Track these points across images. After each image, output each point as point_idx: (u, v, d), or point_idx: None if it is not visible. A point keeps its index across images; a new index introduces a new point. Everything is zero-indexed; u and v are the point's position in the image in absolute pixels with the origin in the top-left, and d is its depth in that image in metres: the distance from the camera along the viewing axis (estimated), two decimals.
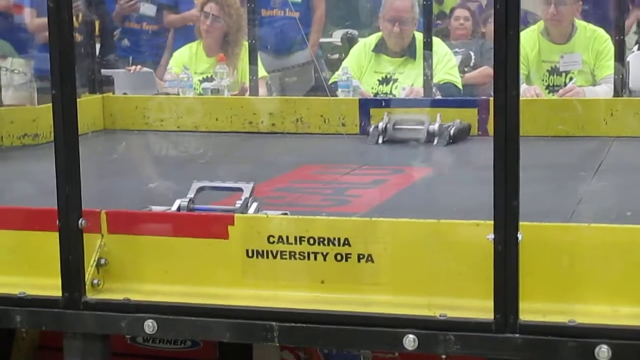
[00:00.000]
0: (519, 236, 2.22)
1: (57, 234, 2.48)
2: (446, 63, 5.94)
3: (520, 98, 2.21)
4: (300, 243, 2.43)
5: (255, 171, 4.02)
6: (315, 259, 2.42)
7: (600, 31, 6.03)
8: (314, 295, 2.42)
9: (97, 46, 6.17)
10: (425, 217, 2.45)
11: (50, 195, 2.49)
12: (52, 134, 2.48)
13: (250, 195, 2.71)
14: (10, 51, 7.12)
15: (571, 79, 5.91)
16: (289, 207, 2.86)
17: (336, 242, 2.41)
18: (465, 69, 7.07)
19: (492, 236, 2.23)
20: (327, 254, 2.42)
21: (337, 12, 8.53)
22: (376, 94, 5.90)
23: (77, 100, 2.51)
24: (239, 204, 2.70)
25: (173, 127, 5.18)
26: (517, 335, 2.24)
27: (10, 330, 3.31)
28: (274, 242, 2.45)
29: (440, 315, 2.30)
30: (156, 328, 2.44)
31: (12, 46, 7.15)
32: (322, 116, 5.03)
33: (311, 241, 2.42)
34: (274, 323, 2.37)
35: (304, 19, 7.25)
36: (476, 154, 4.40)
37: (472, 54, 7.35)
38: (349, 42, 7.93)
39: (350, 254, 2.40)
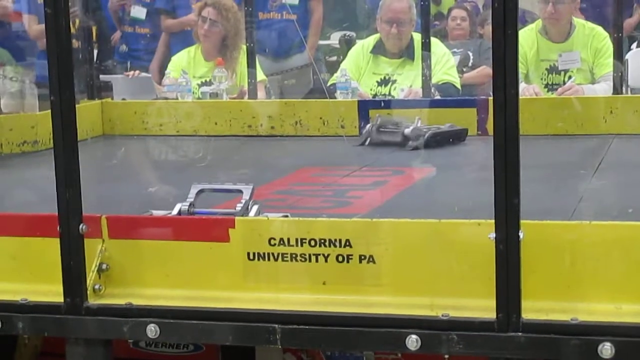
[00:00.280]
0: (521, 235, 2.21)
1: (58, 240, 2.47)
2: (444, 63, 5.94)
3: (520, 97, 2.21)
4: (302, 245, 2.43)
5: (255, 174, 4.02)
6: (317, 260, 2.42)
7: (599, 29, 6.03)
8: (316, 297, 2.42)
9: (95, 52, 6.17)
10: (426, 217, 2.44)
11: (51, 202, 2.49)
12: (52, 141, 2.48)
13: (250, 198, 2.71)
14: (8, 59, 7.13)
15: (570, 77, 5.91)
16: (289, 210, 2.86)
17: (337, 244, 2.41)
18: (464, 69, 7.07)
19: (494, 235, 2.22)
20: (328, 255, 2.41)
21: (334, 14, 8.53)
22: (375, 96, 5.90)
23: (76, 106, 2.50)
24: (239, 207, 2.69)
25: (172, 132, 5.18)
26: (519, 334, 2.23)
27: (12, 337, 3.31)
28: (275, 244, 2.44)
29: (442, 315, 2.29)
30: (159, 332, 2.44)
31: (10, 54, 7.16)
32: (321, 118, 5.03)
33: (312, 243, 2.42)
34: (276, 325, 2.36)
35: (301, 21, 7.25)
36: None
37: (470, 54, 7.35)
38: (347, 44, 7.93)
39: (351, 255, 2.40)
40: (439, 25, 8.02)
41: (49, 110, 2.46)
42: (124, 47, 7.52)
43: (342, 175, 4.02)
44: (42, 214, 2.62)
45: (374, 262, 2.39)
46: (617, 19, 5.18)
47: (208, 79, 6.24)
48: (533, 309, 2.25)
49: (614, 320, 2.21)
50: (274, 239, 2.44)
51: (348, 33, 8.41)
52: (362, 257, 2.40)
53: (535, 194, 3.16)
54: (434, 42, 5.71)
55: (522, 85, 5.59)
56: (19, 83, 6.86)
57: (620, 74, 5.26)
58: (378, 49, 6.08)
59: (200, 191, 2.77)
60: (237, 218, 2.51)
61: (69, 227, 2.45)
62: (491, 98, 2.22)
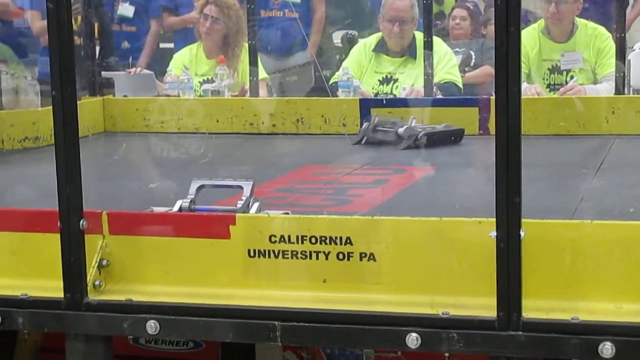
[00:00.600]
0: (522, 233, 2.21)
1: (58, 236, 2.47)
2: (447, 62, 5.94)
3: (522, 96, 2.20)
4: (302, 242, 2.43)
5: (256, 172, 4.02)
6: (317, 258, 2.42)
7: (601, 29, 6.03)
8: (316, 294, 2.41)
9: (97, 49, 6.16)
10: (427, 215, 2.44)
11: (52, 198, 2.48)
12: (53, 137, 2.47)
13: (250, 194, 2.71)
14: (10, 55, 7.13)
15: (572, 77, 5.91)
16: (290, 208, 2.86)
17: (338, 241, 2.40)
18: (466, 69, 7.07)
19: (495, 233, 2.22)
20: (329, 253, 2.41)
21: (337, 12, 8.52)
22: (377, 94, 5.90)
23: (78, 102, 2.50)
24: (240, 204, 2.69)
25: (174, 129, 5.18)
26: (520, 332, 2.23)
27: (12, 332, 3.31)
28: (275, 241, 2.44)
29: (443, 314, 2.29)
30: (159, 329, 2.44)
31: (13, 50, 7.17)
32: (322, 116, 5.03)
33: (313, 240, 2.42)
34: (276, 322, 2.36)
35: (303, 19, 7.25)
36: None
37: (472, 53, 7.34)
38: (349, 42, 7.93)
39: (352, 252, 2.40)
40: (441, 25, 8.02)
41: (51, 107, 2.45)
42: (125, 44, 7.52)
43: (343, 173, 4.02)
44: (43, 210, 2.62)
45: (374, 260, 2.39)
46: (619, 19, 5.18)
47: (210, 77, 6.23)
48: (533, 308, 2.25)
49: (615, 320, 2.21)
50: (275, 236, 2.44)
51: (350, 31, 8.40)
52: (363, 255, 2.40)
53: (537, 193, 3.16)
54: (436, 41, 5.71)
55: (524, 85, 5.59)
56: (20, 80, 6.87)
57: (622, 74, 5.26)
58: (380, 48, 6.08)
59: (201, 187, 2.77)
60: (237, 215, 2.50)
61: (70, 222, 2.45)
62: (493, 97, 2.22)
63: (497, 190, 2.21)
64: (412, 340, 2.28)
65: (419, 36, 5.80)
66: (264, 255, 2.45)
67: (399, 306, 2.34)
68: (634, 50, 6.27)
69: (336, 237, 2.40)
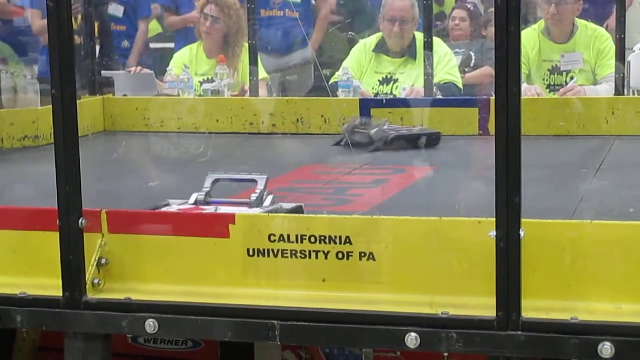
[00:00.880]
0: (521, 233, 2.21)
1: (57, 234, 2.47)
2: (447, 63, 5.93)
3: (521, 97, 2.20)
4: (302, 241, 2.43)
5: (256, 171, 3.99)
6: (317, 257, 2.42)
7: (601, 30, 6.03)
8: (316, 293, 2.41)
9: (97, 48, 6.17)
10: (427, 215, 2.44)
11: (51, 197, 2.48)
12: (53, 136, 2.47)
13: (264, 188, 2.73)
14: (10, 54, 7.13)
15: (572, 78, 5.91)
16: None
17: (337, 241, 2.40)
18: (466, 69, 7.06)
19: (494, 233, 2.22)
20: (328, 252, 2.41)
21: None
22: (376, 94, 5.90)
23: (77, 101, 2.50)
24: (254, 197, 2.71)
25: (173, 129, 5.18)
26: (519, 332, 2.23)
27: (11, 331, 3.30)
28: (275, 240, 2.44)
29: (442, 313, 2.29)
30: (157, 327, 2.44)
31: (13, 49, 7.17)
32: (322, 116, 5.03)
33: (312, 239, 2.42)
34: (275, 322, 2.36)
35: (304, 19, 7.25)
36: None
37: (472, 54, 7.34)
38: (349, 43, 7.93)
39: (351, 252, 2.40)
40: (441, 25, 8.02)
41: (50, 106, 2.45)
42: (125, 43, 7.52)
43: (343, 173, 4.02)
44: (42, 208, 2.61)
45: (374, 260, 2.39)
46: (619, 20, 5.17)
47: (210, 76, 6.23)
48: (533, 308, 2.25)
49: (614, 320, 2.21)
50: (274, 235, 2.44)
51: (350, 32, 8.41)
52: (362, 254, 2.39)
53: (537, 193, 3.16)
54: (436, 41, 5.71)
55: (523, 86, 5.59)
56: (20, 78, 6.87)
57: (622, 75, 5.26)
58: (380, 48, 6.08)
59: (216, 180, 2.79)
60: (237, 214, 2.50)
61: (69, 221, 2.45)
62: (493, 98, 2.21)
63: (496, 190, 2.21)
64: (411, 339, 2.28)
65: (419, 36, 5.80)
66: (263, 255, 2.45)
67: (398, 306, 2.34)
68: (633, 51, 6.27)
69: (335, 237, 2.40)
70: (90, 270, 2.50)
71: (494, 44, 2.20)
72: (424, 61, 5.45)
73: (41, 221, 2.57)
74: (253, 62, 5.60)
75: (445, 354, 2.33)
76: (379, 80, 6.02)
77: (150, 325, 2.44)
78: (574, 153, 4.48)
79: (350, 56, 6.23)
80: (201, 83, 6.22)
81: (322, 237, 2.41)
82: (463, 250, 2.33)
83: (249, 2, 5.66)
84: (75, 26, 4.73)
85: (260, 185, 2.76)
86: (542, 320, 2.23)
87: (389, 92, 5.95)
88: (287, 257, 2.44)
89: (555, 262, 2.29)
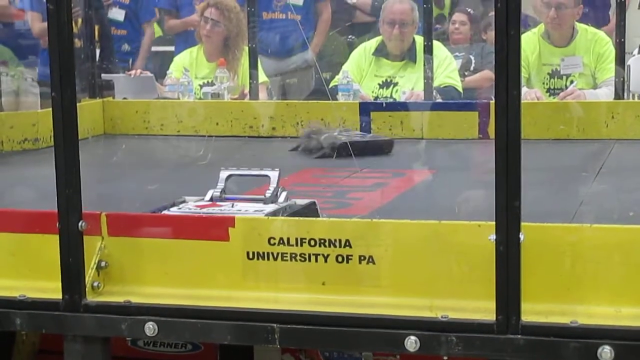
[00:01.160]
0: (521, 237, 2.21)
1: (57, 237, 2.47)
2: (447, 66, 5.94)
3: (521, 101, 2.20)
4: (301, 245, 2.42)
5: None
6: (316, 260, 2.42)
7: (601, 34, 6.04)
8: (315, 297, 2.41)
9: (97, 51, 6.17)
10: (427, 218, 2.44)
11: (51, 200, 2.48)
12: (52, 139, 2.47)
13: (277, 183, 2.74)
14: (11, 57, 7.13)
15: (572, 81, 5.91)
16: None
17: (337, 244, 2.40)
18: (466, 73, 7.07)
19: (494, 237, 2.22)
20: (328, 255, 2.41)
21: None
22: (376, 98, 5.90)
23: (77, 104, 2.50)
24: (268, 193, 2.73)
25: (173, 132, 5.18)
26: (519, 336, 2.23)
27: (10, 334, 3.30)
28: (274, 244, 2.44)
29: (442, 317, 2.29)
30: (157, 330, 2.44)
31: (13, 52, 7.17)
32: (322, 120, 5.02)
33: (312, 243, 2.42)
34: (275, 325, 2.36)
35: (305, 22, 7.26)
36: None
37: (472, 58, 7.35)
38: (349, 46, 7.93)
39: (351, 255, 2.40)
40: (441, 28, 8.02)
41: (50, 109, 2.45)
42: (126, 47, 7.53)
43: (342, 176, 4.02)
44: (42, 211, 2.62)
45: (373, 263, 2.39)
46: (619, 24, 5.18)
47: (210, 80, 6.23)
48: (533, 311, 2.25)
49: (614, 324, 2.21)
50: (274, 239, 2.44)
51: (350, 35, 8.42)
52: (362, 258, 2.39)
53: (537, 197, 3.16)
54: (436, 45, 5.71)
55: (523, 90, 5.59)
56: (20, 81, 6.87)
57: (622, 79, 5.26)
58: (380, 51, 6.09)
59: (229, 176, 2.81)
60: (237, 217, 2.50)
61: (68, 223, 2.45)
62: (493, 102, 2.22)
63: (496, 193, 2.20)
64: (411, 343, 2.28)
65: (419, 40, 5.81)
66: (263, 258, 2.45)
67: (397, 309, 2.33)
68: (633, 55, 6.28)
69: (335, 240, 2.40)
70: (90, 273, 2.50)
71: (494, 48, 2.20)
72: (424, 65, 5.46)
73: (41, 224, 2.57)
74: (253, 65, 5.60)
75: (445, 358, 2.32)
76: (379, 84, 6.03)
77: (150, 328, 2.44)
78: (574, 157, 4.48)
79: (350, 60, 6.24)
80: (201, 86, 6.23)
81: (322, 241, 2.41)
82: (463, 253, 2.33)
83: (249, 6, 5.66)
84: (75, 30, 4.73)
85: (273, 181, 2.81)
86: (541, 324, 2.23)
87: (389, 95, 5.96)
88: (287, 260, 2.44)
89: (555, 266, 2.28)
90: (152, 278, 2.52)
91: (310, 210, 2.87)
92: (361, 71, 6.05)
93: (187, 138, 5.07)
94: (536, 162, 3.88)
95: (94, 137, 5.12)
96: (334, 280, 2.41)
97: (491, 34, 6.76)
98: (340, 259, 2.40)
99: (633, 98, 5.82)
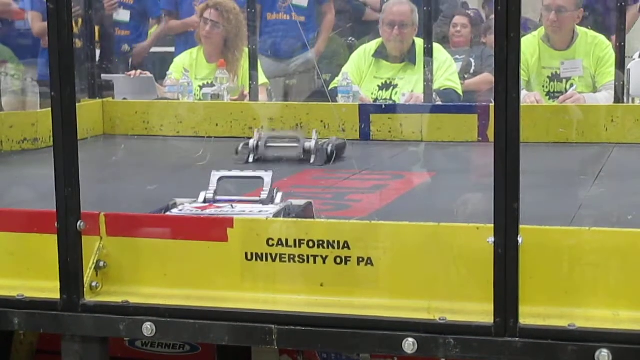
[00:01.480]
0: (519, 239, 2.21)
1: (56, 237, 2.47)
2: (447, 69, 5.94)
3: (521, 104, 2.20)
4: (300, 246, 2.42)
5: None
6: (315, 262, 2.41)
7: (602, 38, 6.04)
8: (313, 298, 2.41)
9: (97, 51, 6.17)
10: (425, 221, 2.44)
11: (50, 200, 2.48)
12: (52, 139, 2.47)
13: (271, 184, 2.74)
14: (11, 56, 7.13)
15: (572, 85, 5.91)
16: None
17: (335, 245, 2.40)
18: (466, 76, 7.07)
19: (492, 239, 2.22)
20: (326, 257, 2.41)
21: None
22: (376, 100, 5.90)
23: (77, 105, 2.50)
24: (264, 194, 2.73)
25: (173, 132, 5.18)
26: (517, 339, 2.23)
27: (8, 333, 3.30)
28: (273, 245, 2.44)
29: (440, 319, 2.29)
30: (155, 331, 2.43)
31: (13, 51, 7.16)
32: (322, 121, 5.02)
33: (310, 244, 2.42)
34: (273, 326, 2.36)
35: (310, 23, 7.26)
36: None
37: (472, 60, 7.35)
38: (349, 48, 7.94)
39: (349, 257, 2.40)
40: (441, 30, 8.02)
41: (50, 108, 2.45)
42: (126, 47, 7.52)
43: (342, 178, 4.02)
44: (41, 210, 2.61)
45: (372, 265, 2.38)
46: (619, 28, 5.18)
47: (210, 81, 6.23)
48: (531, 314, 2.25)
49: (612, 327, 2.21)
50: (272, 240, 2.44)
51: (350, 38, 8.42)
52: (360, 260, 2.39)
53: (535, 200, 3.16)
54: (436, 47, 5.71)
55: (523, 93, 5.59)
56: (20, 81, 6.87)
57: (621, 83, 5.26)
58: (380, 53, 6.09)
59: (221, 178, 2.81)
60: (235, 218, 2.50)
61: (67, 223, 2.45)
62: (492, 104, 2.22)
63: (495, 196, 2.20)
64: (409, 345, 2.28)
65: (419, 42, 5.81)
66: (262, 259, 2.45)
67: (396, 311, 2.33)
68: (633, 59, 6.28)
69: (334, 241, 2.40)
70: (88, 273, 2.50)
71: (494, 51, 2.20)
72: (424, 67, 5.46)
73: (40, 224, 2.56)
74: (253, 67, 5.60)
75: None
76: (378, 86, 6.03)
77: (148, 328, 2.43)
78: (573, 160, 4.48)
79: (350, 61, 6.24)
80: (201, 87, 6.23)
81: (321, 242, 2.41)
82: (461, 256, 2.33)
83: (249, 7, 5.66)
84: (75, 30, 4.73)
85: (267, 183, 2.80)
86: (539, 327, 2.23)
87: (388, 97, 5.96)
88: (285, 261, 2.44)
89: (554, 269, 2.28)
90: (151, 278, 2.52)
91: (307, 211, 2.87)
92: (361, 73, 6.05)
93: (187, 139, 5.07)
94: (535, 165, 3.88)
95: (94, 137, 5.13)
96: (332, 281, 2.41)
97: (491, 37, 6.76)
98: (338, 260, 2.40)
99: (633, 102, 5.82)
